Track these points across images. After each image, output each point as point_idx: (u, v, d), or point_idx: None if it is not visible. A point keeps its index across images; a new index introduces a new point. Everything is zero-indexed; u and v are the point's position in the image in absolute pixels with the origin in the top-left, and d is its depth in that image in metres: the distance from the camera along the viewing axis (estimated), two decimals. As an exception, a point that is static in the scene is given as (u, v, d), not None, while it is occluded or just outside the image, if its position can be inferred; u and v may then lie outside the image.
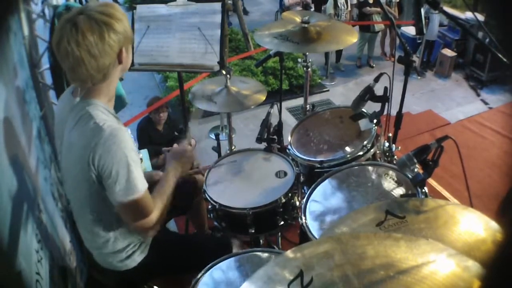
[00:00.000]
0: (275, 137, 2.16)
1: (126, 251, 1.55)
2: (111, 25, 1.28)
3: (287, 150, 2.16)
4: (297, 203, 2.01)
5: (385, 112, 2.01)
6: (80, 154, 1.31)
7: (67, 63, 1.27)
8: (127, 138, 1.33)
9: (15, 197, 1.36)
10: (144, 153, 2.95)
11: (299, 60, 2.65)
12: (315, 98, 5.64)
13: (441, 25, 6.31)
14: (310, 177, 2.03)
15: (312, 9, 6.97)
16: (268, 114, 2.14)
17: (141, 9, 2.31)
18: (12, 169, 1.39)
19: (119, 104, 2.36)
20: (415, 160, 1.46)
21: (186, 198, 2.06)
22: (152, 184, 1.55)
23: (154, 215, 1.42)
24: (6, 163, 1.36)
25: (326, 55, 6.30)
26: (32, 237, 1.47)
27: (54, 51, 1.30)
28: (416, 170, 1.47)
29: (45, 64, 2.52)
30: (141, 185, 1.35)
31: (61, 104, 1.48)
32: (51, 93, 2.63)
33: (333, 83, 6.22)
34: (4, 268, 1.11)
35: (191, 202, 2.11)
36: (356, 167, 1.87)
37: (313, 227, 1.62)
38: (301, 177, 2.10)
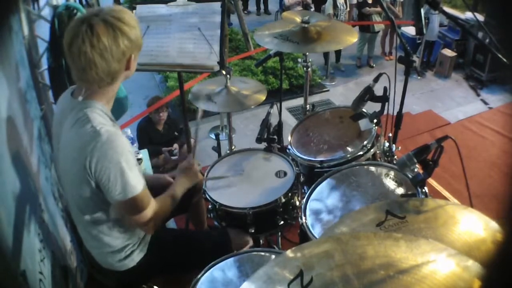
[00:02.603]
0: (275, 137, 2.16)
1: (125, 251, 1.55)
2: (126, 32, 1.29)
3: (287, 150, 2.16)
4: (297, 203, 2.01)
5: (385, 112, 2.02)
6: (76, 156, 1.31)
7: (78, 63, 1.27)
8: (124, 141, 1.34)
9: (19, 197, 1.37)
10: (144, 153, 2.95)
11: (299, 60, 2.65)
12: (315, 98, 5.64)
13: (441, 25, 6.31)
14: (310, 177, 2.03)
15: (312, 9, 6.97)
16: (268, 114, 2.14)
17: (141, 9, 2.31)
18: (15, 169, 1.40)
19: (121, 107, 2.36)
20: (415, 160, 1.46)
21: (185, 197, 2.06)
22: (158, 187, 1.63)
23: (149, 211, 1.43)
24: (10, 164, 1.36)
25: (326, 55, 6.30)
26: (35, 236, 1.48)
27: (65, 50, 1.29)
28: (416, 170, 1.47)
29: (45, 64, 2.52)
30: (139, 184, 1.37)
31: (60, 105, 1.48)
32: (51, 93, 2.63)
33: (333, 83, 6.22)
34: (9, 267, 1.11)
35: (190, 201, 2.11)
36: (356, 167, 1.87)
37: (313, 227, 1.62)
38: (301, 177, 2.10)
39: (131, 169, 1.34)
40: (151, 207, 1.44)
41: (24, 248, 1.31)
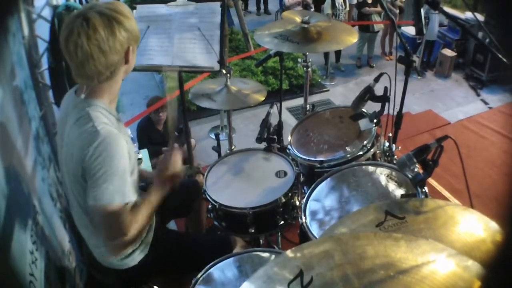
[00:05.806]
0: (275, 137, 2.16)
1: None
2: (122, 22, 1.28)
3: (287, 150, 2.16)
4: (297, 203, 2.01)
5: (385, 112, 2.01)
6: (76, 154, 1.31)
7: (75, 58, 1.26)
8: (121, 146, 1.30)
9: (9, 199, 1.35)
10: (144, 153, 2.96)
11: (299, 60, 2.65)
12: (315, 98, 5.64)
13: (441, 25, 6.31)
14: (310, 177, 2.03)
15: (312, 9, 6.96)
16: (268, 114, 2.14)
17: (141, 9, 2.30)
18: (5, 170, 1.39)
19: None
20: (415, 160, 1.45)
21: (187, 200, 2.06)
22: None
23: (130, 235, 1.34)
24: (0, 165, 1.35)
25: (326, 55, 6.30)
26: (27, 238, 1.46)
27: (62, 47, 1.28)
28: (416, 170, 1.47)
29: (45, 64, 2.52)
30: (118, 198, 1.29)
31: (65, 103, 1.48)
32: (51, 93, 2.63)
33: (333, 83, 6.22)
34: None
35: (191, 205, 2.10)
36: (356, 167, 1.87)
37: (313, 227, 1.62)
38: (301, 177, 2.10)
39: (119, 178, 1.28)
40: (131, 233, 1.33)
41: (13, 249, 1.30)
